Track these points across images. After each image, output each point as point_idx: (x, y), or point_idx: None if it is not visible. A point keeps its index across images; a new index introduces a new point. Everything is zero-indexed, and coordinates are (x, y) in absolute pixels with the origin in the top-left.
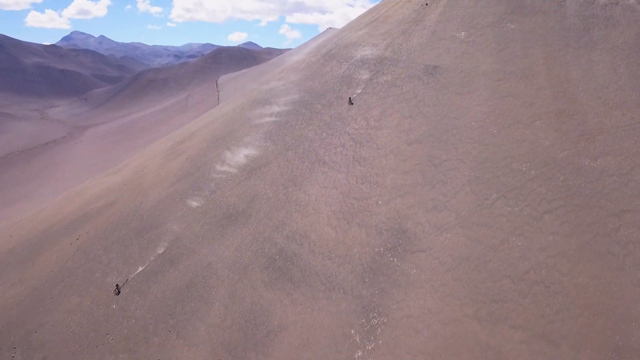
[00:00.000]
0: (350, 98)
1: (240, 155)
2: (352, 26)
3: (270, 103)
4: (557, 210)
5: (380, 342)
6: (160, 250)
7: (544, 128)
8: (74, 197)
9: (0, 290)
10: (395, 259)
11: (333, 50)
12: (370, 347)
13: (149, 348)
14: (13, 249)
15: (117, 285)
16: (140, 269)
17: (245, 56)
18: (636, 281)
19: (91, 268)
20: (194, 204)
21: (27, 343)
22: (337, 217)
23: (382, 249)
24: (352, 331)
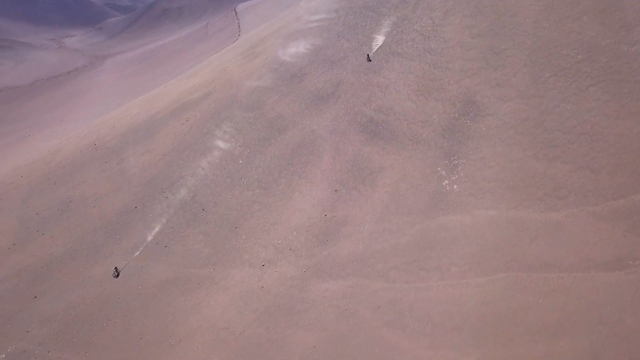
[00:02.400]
0: (368, 55)
1: (319, 51)
2: None
3: (337, 10)
4: (600, 83)
5: (462, 174)
6: (267, 123)
7: (590, 22)
8: (154, 98)
9: (133, 159)
10: (468, 121)
11: None
12: (454, 178)
13: (278, 186)
14: (125, 133)
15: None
16: (254, 135)
17: None
18: None
19: (209, 138)
20: (286, 89)
21: (174, 189)
22: (415, 94)
23: (456, 115)
24: (439, 168)
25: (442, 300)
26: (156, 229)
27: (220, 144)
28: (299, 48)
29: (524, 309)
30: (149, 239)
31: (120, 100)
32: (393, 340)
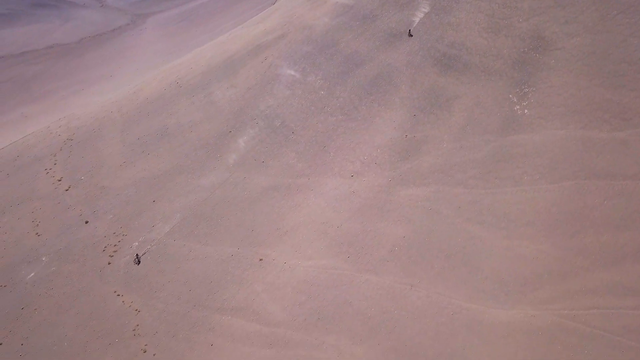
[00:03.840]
0: (409, 30)
1: None
2: None
3: None
4: None
5: (532, 100)
6: (344, 59)
7: None
8: (224, 44)
9: (220, 92)
10: (537, 55)
11: None
12: (524, 104)
13: (359, 112)
14: (205, 73)
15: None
16: (332, 70)
17: None
18: None
19: (289, 74)
20: (359, 29)
21: (263, 116)
22: (486, 31)
23: (526, 49)
24: (510, 95)
25: (516, 202)
26: (252, 149)
27: (301, 78)
28: None
29: (590, 209)
30: (246, 156)
31: (165, 57)
32: (473, 232)
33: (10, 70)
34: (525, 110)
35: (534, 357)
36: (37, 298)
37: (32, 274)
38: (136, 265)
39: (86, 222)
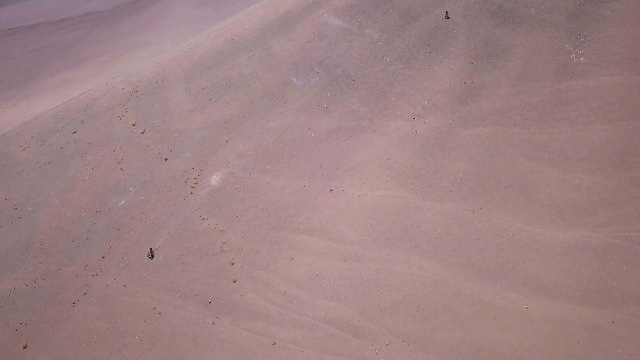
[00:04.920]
0: (447, 12)
1: None
2: None
3: None
4: None
5: (588, 49)
6: (400, 13)
7: None
8: (276, 3)
9: (279, 46)
10: (593, 6)
11: None
12: (580, 52)
13: (418, 61)
14: (261, 29)
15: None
16: (389, 23)
17: None
18: None
19: (346, 27)
20: None
21: (323, 66)
22: None
23: (582, 1)
24: (566, 45)
25: (571, 140)
26: (315, 96)
27: (358, 31)
28: None
29: None
30: (310, 103)
31: (200, 25)
32: (530, 167)
33: (51, 36)
34: (581, 58)
35: (589, 270)
36: (130, 221)
37: (123, 202)
38: (150, 259)
39: (165, 159)
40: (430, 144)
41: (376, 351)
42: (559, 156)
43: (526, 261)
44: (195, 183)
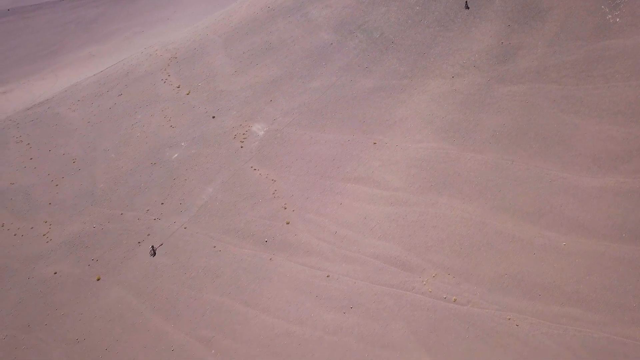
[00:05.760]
0: (466, 2)
1: None
2: None
3: None
4: None
5: (624, 10)
6: None
7: None
8: None
9: (316, 12)
10: None
11: None
12: (616, 13)
13: (455, 24)
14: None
15: None
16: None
17: None
18: None
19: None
20: None
21: (362, 30)
22: None
23: None
24: (602, 6)
25: (607, 95)
26: (355, 57)
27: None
28: None
29: None
30: (351, 63)
31: (220, 2)
32: (567, 120)
33: (73, 12)
34: (617, 19)
35: (624, 212)
36: (185, 172)
37: (176, 155)
38: (152, 257)
39: (213, 117)
40: (470, 100)
41: (423, 282)
42: (594, 110)
43: (564, 204)
44: (245, 138)
